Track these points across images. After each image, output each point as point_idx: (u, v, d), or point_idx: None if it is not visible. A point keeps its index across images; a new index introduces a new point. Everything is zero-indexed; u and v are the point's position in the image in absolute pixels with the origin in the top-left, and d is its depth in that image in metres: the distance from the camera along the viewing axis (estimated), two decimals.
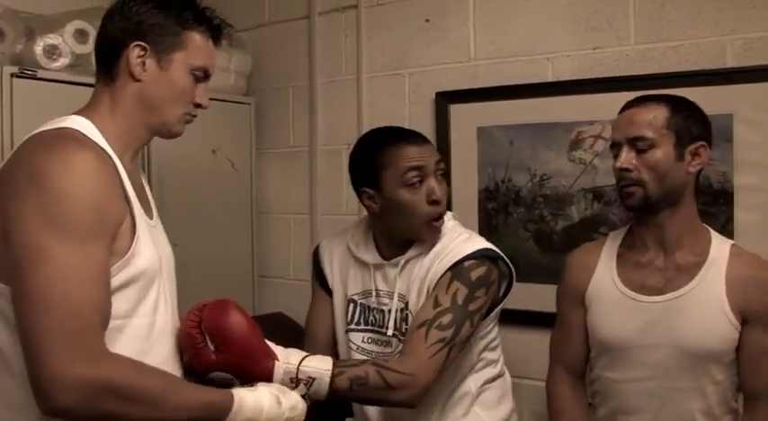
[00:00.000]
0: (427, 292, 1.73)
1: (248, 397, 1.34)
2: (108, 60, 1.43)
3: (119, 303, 1.27)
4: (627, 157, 1.65)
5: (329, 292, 1.94)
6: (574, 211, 2.37)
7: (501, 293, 1.78)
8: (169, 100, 1.44)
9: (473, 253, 1.71)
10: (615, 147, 1.70)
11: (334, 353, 1.89)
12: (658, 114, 1.64)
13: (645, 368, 1.67)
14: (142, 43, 1.40)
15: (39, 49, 2.25)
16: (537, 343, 2.26)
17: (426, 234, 1.77)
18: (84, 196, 1.21)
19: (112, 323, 1.24)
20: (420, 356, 1.60)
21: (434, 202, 1.73)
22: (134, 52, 1.39)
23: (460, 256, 1.70)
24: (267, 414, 1.34)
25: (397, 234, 1.81)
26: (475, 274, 1.68)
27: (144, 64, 1.40)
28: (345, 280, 1.90)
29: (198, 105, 1.49)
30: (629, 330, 1.69)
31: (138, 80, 1.40)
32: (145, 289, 1.35)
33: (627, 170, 1.65)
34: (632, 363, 1.69)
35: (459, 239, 1.76)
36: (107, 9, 1.47)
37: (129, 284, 1.30)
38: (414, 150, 1.74)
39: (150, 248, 1.36)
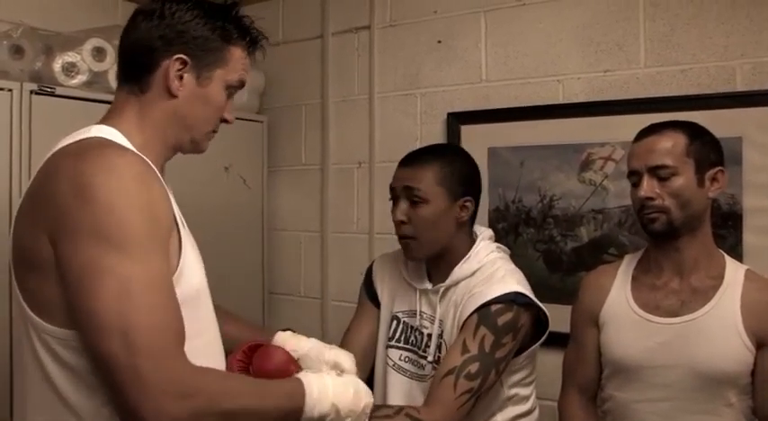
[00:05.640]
0: (457, 326, 1.74)
1: (312, 377, 1.33)
2: (139, 68, 1.30)
3: None
4: (649, 186, 1.65)
5: (377, 305, 1.97)
6: (583, 232, 2.38)
7: (535, 333, 1.76)
8: (202, 118, 1.34)
9: (500, 297, 1.68)
10: (634, 175, 1.70)
11: (368, 366, 1.92)
12: (677, 142, 1.65)
13: (658, 389, 1.67)
14: (184, 56, 1.28)
15: (57, 66, 2.29)
16: (546, 362, 2.26)
17: (403, 251, 1.85)
18: (135, 203, 1.11)
19: None
20: (450, 407, 1.61)
21: (395, 223, 1.80)
22: (175, 65, 1.28)
23: (487, 299, 1.69)
24: (334, 388, 1.33)
25: None
26: (501, 320, 1.67)
27: (182, 78, 1.29)
28: (394, 297, 1.94)
29: (224, 121, 1.40)
30: (642, 350, 1.69)
31: (174, 96, 1.29)
32: (198, 307, 1.28)
33: (650, 199, 1.65)
34: (645, 384, 1.69)
35: (494, 277, 1.75)
36: (140, 9, 1.33)
37: (183, 306, 1.18)
38: (397, 172, 1.83)
39: (197, 263, 1.30)
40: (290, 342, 1.59)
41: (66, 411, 1.16)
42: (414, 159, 1.82)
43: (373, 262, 2.07)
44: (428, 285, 1.85)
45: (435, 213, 1.76)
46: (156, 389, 1.04)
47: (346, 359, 1.57)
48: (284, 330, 1.65)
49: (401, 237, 1.80)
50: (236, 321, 1.58)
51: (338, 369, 1.52)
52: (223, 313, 1.47)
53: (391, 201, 1.84)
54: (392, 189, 1.83)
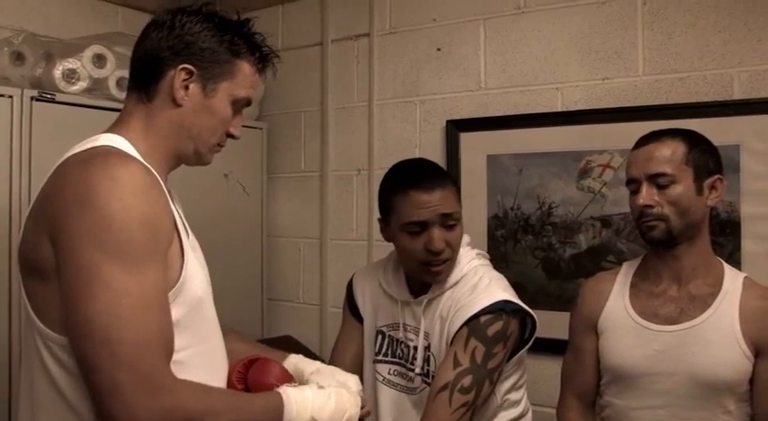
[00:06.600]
0: (446, 339, 1.72)
1: (291, 391, 1.34)
2: (147, 77, 1.32)
3: (177, 336, 1.18)
4: (648, 194, 1.66)
5: (360, 320, 1.96)
6: (582, 239, 2.38)
7: (523, 338, 1.75)
8: (207, 129, 1.34)
9: (489, 307, 1.67)
10: (633, 183, 1.71)
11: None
12: (676, 150, 1.66)
13: (656, 396, 1.67)
14: (190, 66, 1.30)
15: (58, 72, 2.30)
16: (545, 369, 2.27)
17: (426, 277, 1.77)
18: (135, 214, 1.12)
19: (174, 356, 1.16)
20: None
21: (430, 252, 1.70)
22: (180, 75, 1.30)
23: (476, 310, 1.67)
24: (314, 400, 1.34)
25: (405, 269, 1.84)
26: (491, 330, 1.65)
27: (187, 88, 1.30)
28: (376, 310, 1.92)
29: (230, 136, 1.40)
30: (641, 358, 1.69)
31: (179, 105, 1.31)
32: (200, 314, 1.28)
33: (649, 207, 1.65)
34: (643, 391, 1.69)
35: (478, 287, 1.73)
36: (153, 19, 1.36)
37: (186, 314, 1.22)
38: (421, 200, 1.69)
39: (199, 271, 1.30)
40: (300, 363, 1.61)
41: (70, 413, 1.17)
42: (432, 183, 1.71)
43: (352, 277, 2.04)
44: (410, 297, 1.83)
45: (462, 230, 1.76)
46: (135, 404, 1.06)
47: (352, 379, 1.57)
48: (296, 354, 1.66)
49: (438, 264, 1.72)
50: (252, 343, 1.59)
51: (346, 388, 1.52)
52: (239, 337, 1.49)
53: (413, 234, 1.72)
54: (421, 222, 1.69)
